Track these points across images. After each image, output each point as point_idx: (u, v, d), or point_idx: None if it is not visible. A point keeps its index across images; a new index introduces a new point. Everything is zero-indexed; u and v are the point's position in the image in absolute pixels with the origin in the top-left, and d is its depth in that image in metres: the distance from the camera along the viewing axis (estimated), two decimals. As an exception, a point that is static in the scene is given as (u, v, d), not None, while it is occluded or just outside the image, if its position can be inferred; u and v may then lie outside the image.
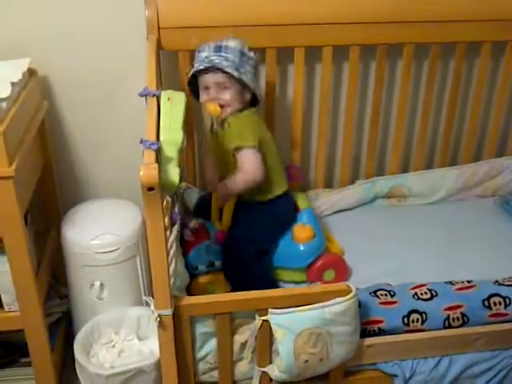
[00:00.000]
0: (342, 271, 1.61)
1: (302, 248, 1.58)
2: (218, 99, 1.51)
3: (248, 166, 1.51)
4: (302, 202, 1.69)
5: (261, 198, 1.59)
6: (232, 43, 1.51)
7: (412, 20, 1.73)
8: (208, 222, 1.65)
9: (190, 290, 1.52)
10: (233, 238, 1.56)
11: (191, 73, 1.54)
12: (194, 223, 1.62)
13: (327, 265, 1.59)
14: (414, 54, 1.81)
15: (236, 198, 1.57)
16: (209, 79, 1.51)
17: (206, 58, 1.50)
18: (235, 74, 1.48)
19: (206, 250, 1.58)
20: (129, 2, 1.66)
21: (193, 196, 1.78)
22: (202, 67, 1.50)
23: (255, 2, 1.66)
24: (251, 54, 1.54)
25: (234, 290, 1.51)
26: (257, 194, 1.57)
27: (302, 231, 1.59)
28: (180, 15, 1.64)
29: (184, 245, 1.60)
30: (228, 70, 1.48)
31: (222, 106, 1.51)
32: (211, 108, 1.50)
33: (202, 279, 1.57)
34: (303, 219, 1.64)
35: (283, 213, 1.64)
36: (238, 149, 1.51)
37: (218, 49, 1.50)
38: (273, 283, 1.58)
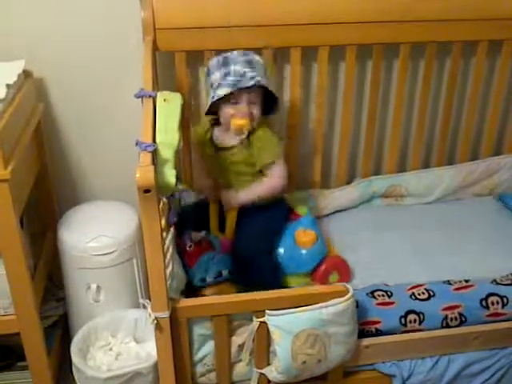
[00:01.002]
0: (346, 273, 1.61)
1: (304, 253, 1.57)
2: (250, 114, 1.50)
3: (280, 175, 1.55)
4: (300, 208, 1.69)
5: (262, 202, 1.58)
6: (256, 57, 1.51)
7: (408, 19, 1.73)
8: (208, 233, 1.61)
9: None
10: (244, 242, 1.55)
11: (229, 90, 1.45)
12: (195, 235, 1.58)
13: (331, 268, 1.59)
14: (410, 54, 1.81)
15: (239, 206, 1.57)
16: (243, 95, 1.48)
17: (244, 74, 1.46)
18: (273, 90, 1.50)
19: (212, 260, 1.53)
20: (124, 3, 1.65)
21: (189, 199, 1.75)
22: (248, 85, 1.45)
23: (251, 2, 1.66)
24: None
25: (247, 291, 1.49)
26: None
27: (303, 235, 1.58)
28: (176, 16, 1.63)
29: (187, 257, 1.55)
30: (270, 88, 1.49)
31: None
32: (242, 123, 1.49)
33: (209, 292, 1.50)
34: (304, 224, 1.63)
35: (279, 217, 1.64)
36: (270, 164, 1.54)
37: (250, 64, 1.48)
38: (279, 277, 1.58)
